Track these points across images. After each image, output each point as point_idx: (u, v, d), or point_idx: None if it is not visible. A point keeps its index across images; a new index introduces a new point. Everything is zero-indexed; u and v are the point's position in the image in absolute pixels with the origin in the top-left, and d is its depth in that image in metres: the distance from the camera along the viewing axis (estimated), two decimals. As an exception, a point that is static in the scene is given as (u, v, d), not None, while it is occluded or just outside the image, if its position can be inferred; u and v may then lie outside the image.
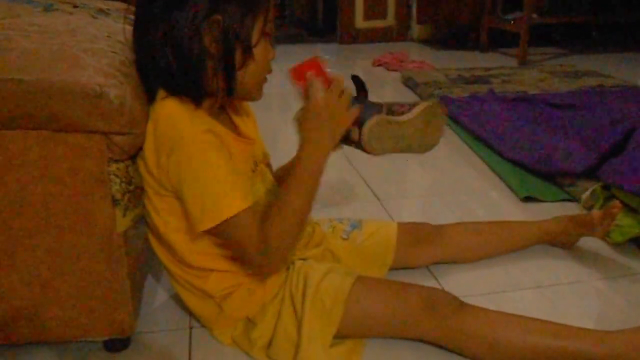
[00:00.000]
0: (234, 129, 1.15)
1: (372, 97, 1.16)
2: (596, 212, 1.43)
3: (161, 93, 1.05)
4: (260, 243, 1.03)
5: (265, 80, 1.12)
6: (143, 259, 1.26)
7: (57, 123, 0.95)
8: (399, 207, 1.82)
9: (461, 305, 1.13)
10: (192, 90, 1.02)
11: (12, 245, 1.02)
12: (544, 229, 1.50)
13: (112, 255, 1.06)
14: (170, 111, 1.03)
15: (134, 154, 1.07)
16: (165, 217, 1.09)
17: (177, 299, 1.30)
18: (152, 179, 1.06)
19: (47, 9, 1.20)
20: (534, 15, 3.77)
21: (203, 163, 1.01)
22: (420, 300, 1.13)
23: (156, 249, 1.17)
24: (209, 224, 1.01)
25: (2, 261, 1.03)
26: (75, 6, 1.28)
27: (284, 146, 1.23)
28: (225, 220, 1.00)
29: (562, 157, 1.98)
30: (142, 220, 1.18)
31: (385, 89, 3.42)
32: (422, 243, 1.39)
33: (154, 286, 1.39)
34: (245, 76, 1.05)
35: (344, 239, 1.36)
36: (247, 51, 1.03)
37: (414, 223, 1.43)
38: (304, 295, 1.12)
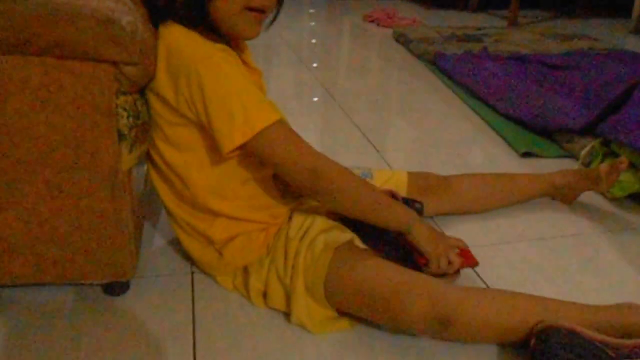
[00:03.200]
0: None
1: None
2: (603, 166, 1.42)
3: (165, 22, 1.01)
4: (306, 156, 1.00)
5: (258, 17, 1.03)
6: (142, 202, 1.21)
7: (62, 49, 0.88)
8: (398, 159, 1.79)
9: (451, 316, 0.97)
10: (175, 14, 0.99)
11: (10, 179, 0.96)
12: (550, 181, 1.49)
13: (116, 193, 1.00)
14: (179, 35, 0.99)
15: (142, 88, 1.01)
16: (184, 151, 1.04)
17: (176, 245, 1.26)
18: (169, 110, 1.01)
19: None
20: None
21: (227, 77, 0.96)
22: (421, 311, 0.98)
23: (160, 189, 1.12)
24: (240, 139, 0.95)
25: (-1, 195, 0.97)
26: None
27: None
28: (259, 133, 0.95)
29: (559, 114, 1.97)
30: (143, 161, 1.13)
31: (377, 45, 3.34)
32: (430, 193, 1.35)
33: (151, 232, 1.34)
34: (218, 5, 0.99)
35: None
36: None
37: (421, 172, 1.40)
38: (298, 248, 1.08)
